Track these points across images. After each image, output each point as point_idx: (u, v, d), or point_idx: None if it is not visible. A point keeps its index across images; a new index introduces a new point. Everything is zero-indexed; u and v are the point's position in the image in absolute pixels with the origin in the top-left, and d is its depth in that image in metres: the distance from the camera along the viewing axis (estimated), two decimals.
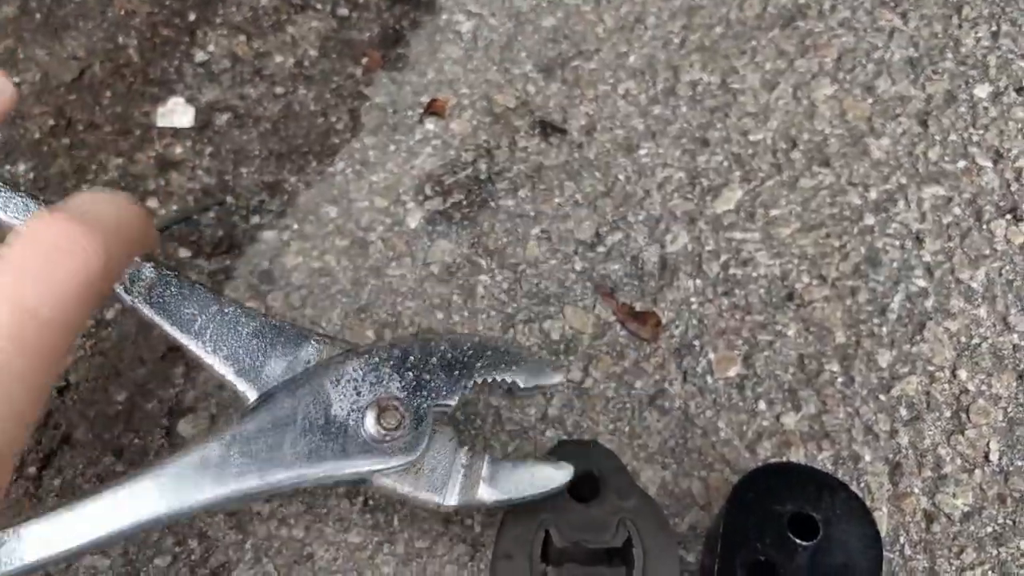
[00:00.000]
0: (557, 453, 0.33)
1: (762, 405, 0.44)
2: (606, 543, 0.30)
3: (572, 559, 0.31)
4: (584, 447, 0.33)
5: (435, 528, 0.40)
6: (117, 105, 0.58)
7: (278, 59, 0.61)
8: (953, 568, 0.39)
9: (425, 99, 0.57)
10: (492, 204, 0.51)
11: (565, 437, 0.43)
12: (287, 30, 0.63)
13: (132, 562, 0.39)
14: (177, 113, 0.59)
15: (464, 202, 0.51)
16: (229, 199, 0.54)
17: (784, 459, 0.42)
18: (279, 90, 0.60)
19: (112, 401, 0.45)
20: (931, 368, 0.45)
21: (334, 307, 0.47)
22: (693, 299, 0.48)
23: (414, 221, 0.51)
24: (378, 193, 0.52)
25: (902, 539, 0.40)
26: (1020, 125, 0.54)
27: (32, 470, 0.43)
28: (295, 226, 0.51)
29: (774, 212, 0.51)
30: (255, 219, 0.53)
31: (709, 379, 0.45)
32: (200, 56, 0.60)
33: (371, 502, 0.41)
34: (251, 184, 0.54)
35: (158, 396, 0.45)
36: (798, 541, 0.35)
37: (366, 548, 0.40)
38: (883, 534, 0.40)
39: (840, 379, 0.45)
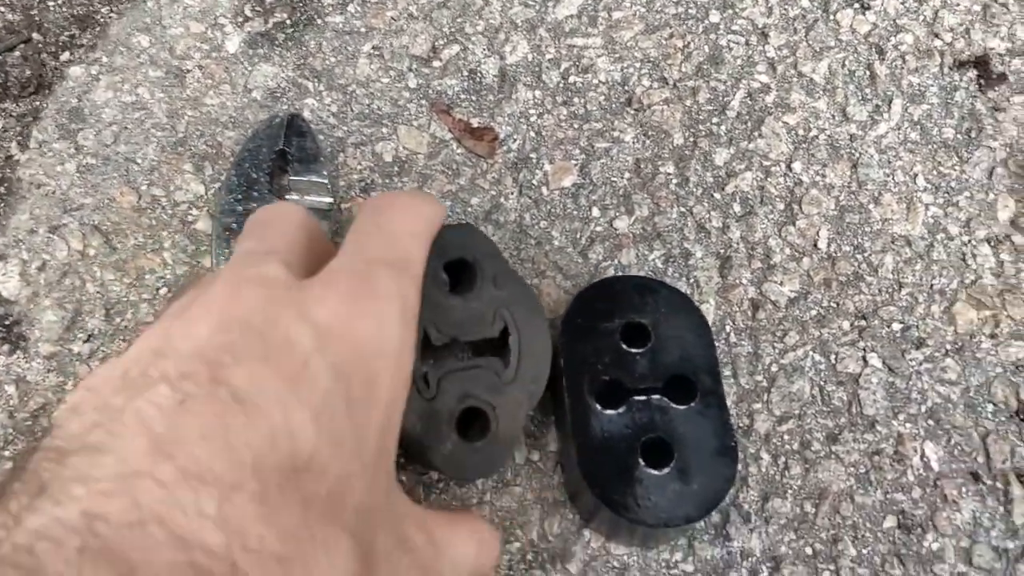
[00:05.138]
0: (433, 245, 0.29)
1: (596, 212, 0.43)
2: (484, 335, 0.29)
3: (451, 355, 0.29)
4: (458, 231, 0.30)
5: None
6: None
7: None
8: (776, 351, 0.40)
9: None
10: (319, 21, 0.48)
11: None
12: None
13: None
14: None
15: (288, 21, 0.48)
16: (36, 36, 0.49)
17: (616, 262, 0.42)
18: None
19: None
20: (767, 163, 0.45)
21: (149, 142, 0.44)
22: (532, 111, 0.46)
23: (233, 45, 0.47)
24: (193, 17, 0.48)
25: (727, 327, 0.41)
26: None
27: None
28: (104, 59, 0.47)
29: (617, 15, 0.49)
30: (65, 55, 0.48)
31: (544, 190, 0.44)
32: None
33: None
34: (59, 18, 0.50)
35: None
36: (633, 351, 0.36)
37: None
38: (709, 324, 0.41)
39: (675, 180, 0.44)
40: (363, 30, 0.48)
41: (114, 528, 0.15)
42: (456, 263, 0.29)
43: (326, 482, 0.19)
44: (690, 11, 0.49)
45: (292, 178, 0.41)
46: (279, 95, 0.46)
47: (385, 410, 0.22)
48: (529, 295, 0.30)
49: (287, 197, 0.41)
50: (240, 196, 0.40)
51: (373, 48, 0.47)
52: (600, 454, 0.33)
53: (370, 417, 0.21)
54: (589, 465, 0.33)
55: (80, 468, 0.17)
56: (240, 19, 0.48)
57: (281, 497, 0.17)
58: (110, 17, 0.49)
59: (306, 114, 0.45)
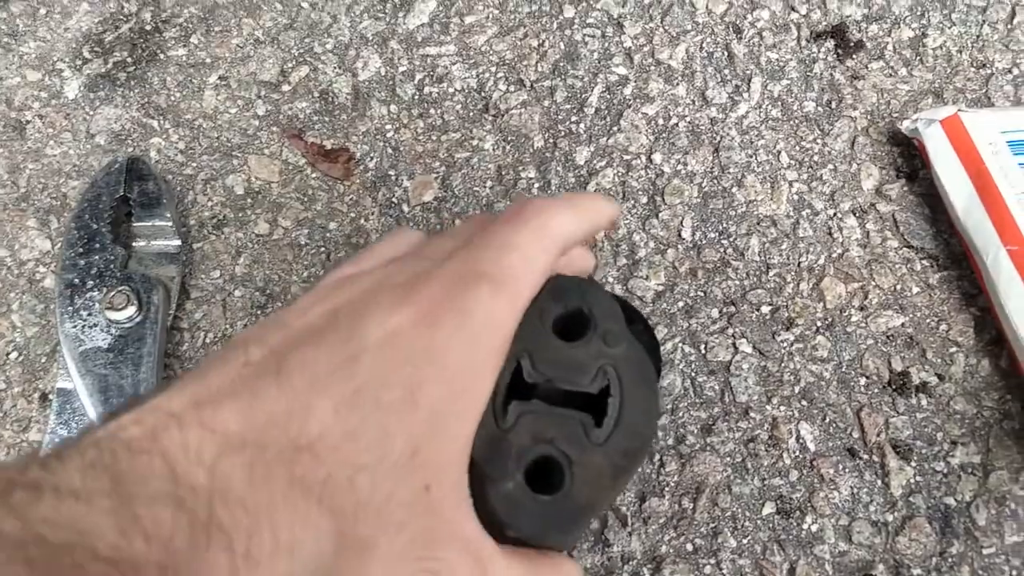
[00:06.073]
0: (549, 287, 0.27)
1: (458, 224, 0.42)
2: (581, 387, 0.25)
3: (541, 397, 0.26)
4: (579, 281, 0.27)
5: None
6: None
7: None
8: None
9: None
10: (161, 56, 0.46)
11: (257, 293, 0.41)
12: None
13: None
14: None
15: (129, 60, 0.46)
16: None
17: None
18: None
19: None
20: (627, 157, 0.44)
21: None
22: (388, 127, 0.45)
23: (73, 91, 0.45)
24: (30, 65, 0.46)
25: None
26: None
27: None
28: None
29: (469, 19, 0.48)
30: None
31: (406, 207, 0.43)
32: None
33: (50, 397, 0.38)
34: None
35: None
36: None
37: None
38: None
39: (537, 184, 0.43)
40: (208, 61, 0.46)
41: (127, 453, 0.17)
42: (570, 313, 0.27)
43: (324, 467, 0.19)
44: (544, 8, 0.48)
45: (136, 224, 0.40)
46: (124, 137, 0.44)
47: (426, 422, 0.21)
48: (643, 362, 0.27)
49: (133, 244, 0.40)
50: (81, 250, 0.39)
51: (219, 78, 0.46)
52: None
53: (403, 423, 0.21)
54: None
55: (151, 398, 0.19)
56: (79, 62, 0.46)
57: (274, 467, 0.19)
58: None
59: (153, 154, 0.44)
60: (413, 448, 0.21)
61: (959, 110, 0.42)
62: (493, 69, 0.46)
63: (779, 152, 0.45)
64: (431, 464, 0.21)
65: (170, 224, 0.40)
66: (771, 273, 0.41)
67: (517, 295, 0.24)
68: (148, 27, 0.47)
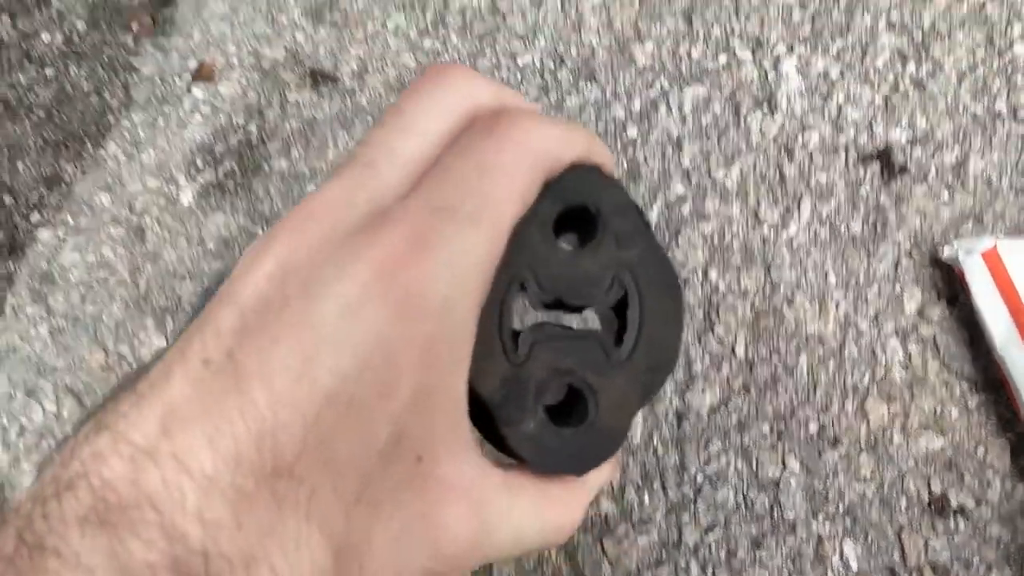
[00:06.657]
0: (546, 184, 0.22)
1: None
2: (596, 302, 0.23)
3: (552, 318, 0.23)
4: (583, 173, 0.23)
5: None
6: None
7: (46, 37, 0.59)
8: (700, 460, 0.43)
9: (193, 64, 0.56)
10: (265, 168, 0.52)
11: None
12: (52, 4, 0.60)
13: None
14: None
15: (236, 170, 0.52)
16: (7, 198, 0.53)
17: None
18: (50, 72, 0.58)
19: None
20: (685, 273, 0.48)
21: (113, 300, 0.48)
22: None
23: (187, 198, 0.51)
24: (150, 173, 0.52)
25: (655, 439, 0.44)
26: (780, 9, 0.55)
27: None
28: (71, 221, 0.51)
29: None
30: (35, 216, 0.52)
31: None
32: None
33: None
34: (29, 179, 0.54)
35: None
36: None
37: None
38: (637, 439, 0.44)
39: None
40: (307, 172, 0.51)
41: (117, 502, 0.16)
42: (574, 211, 0.23)
43: (306, 485, 0.17)
44: (609, 128, 0.52)
45: None
46: (231, 244, 0.49)
47: (408, 401, 0.19)
48: (662, 262, 0.24)
49: None
50: None
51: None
52: None
53: (383, 413, 0.18)
54: None
55: (121, 404, 0.17)
56: (192, 171, 0.52)
57: (256, 497, 0.17)
58: (75, 176, 0.53)
59: None
60: (399, 431, 0.19)
61: (997, 240, 0.45)
62: None
63: (827, 272, 0.48)
64: (420, 437, 0.19)
65: None
66: (818, 391, 0.45)
67: (497, 227, 0.20)
68: (254, 140, 0.52)
